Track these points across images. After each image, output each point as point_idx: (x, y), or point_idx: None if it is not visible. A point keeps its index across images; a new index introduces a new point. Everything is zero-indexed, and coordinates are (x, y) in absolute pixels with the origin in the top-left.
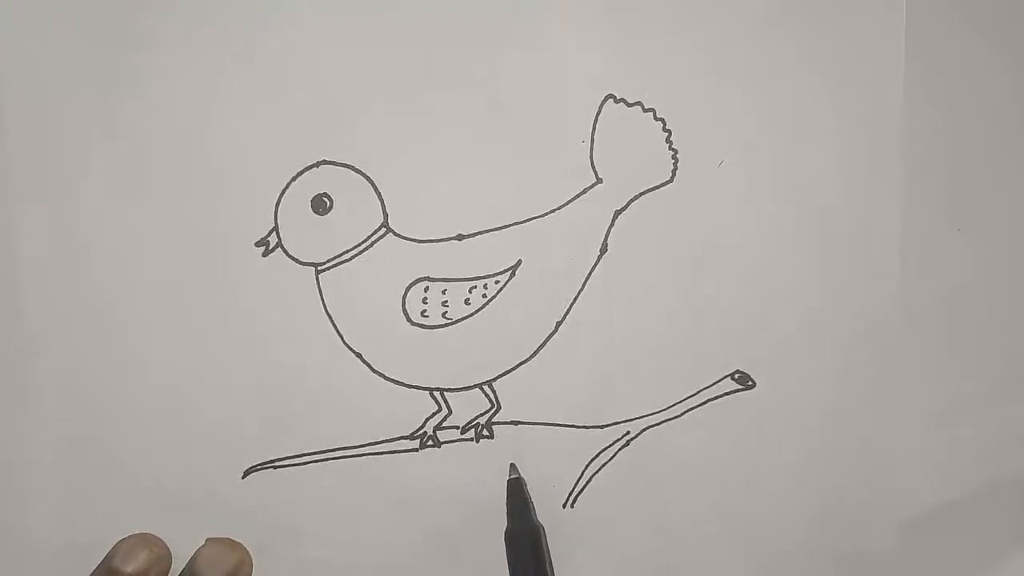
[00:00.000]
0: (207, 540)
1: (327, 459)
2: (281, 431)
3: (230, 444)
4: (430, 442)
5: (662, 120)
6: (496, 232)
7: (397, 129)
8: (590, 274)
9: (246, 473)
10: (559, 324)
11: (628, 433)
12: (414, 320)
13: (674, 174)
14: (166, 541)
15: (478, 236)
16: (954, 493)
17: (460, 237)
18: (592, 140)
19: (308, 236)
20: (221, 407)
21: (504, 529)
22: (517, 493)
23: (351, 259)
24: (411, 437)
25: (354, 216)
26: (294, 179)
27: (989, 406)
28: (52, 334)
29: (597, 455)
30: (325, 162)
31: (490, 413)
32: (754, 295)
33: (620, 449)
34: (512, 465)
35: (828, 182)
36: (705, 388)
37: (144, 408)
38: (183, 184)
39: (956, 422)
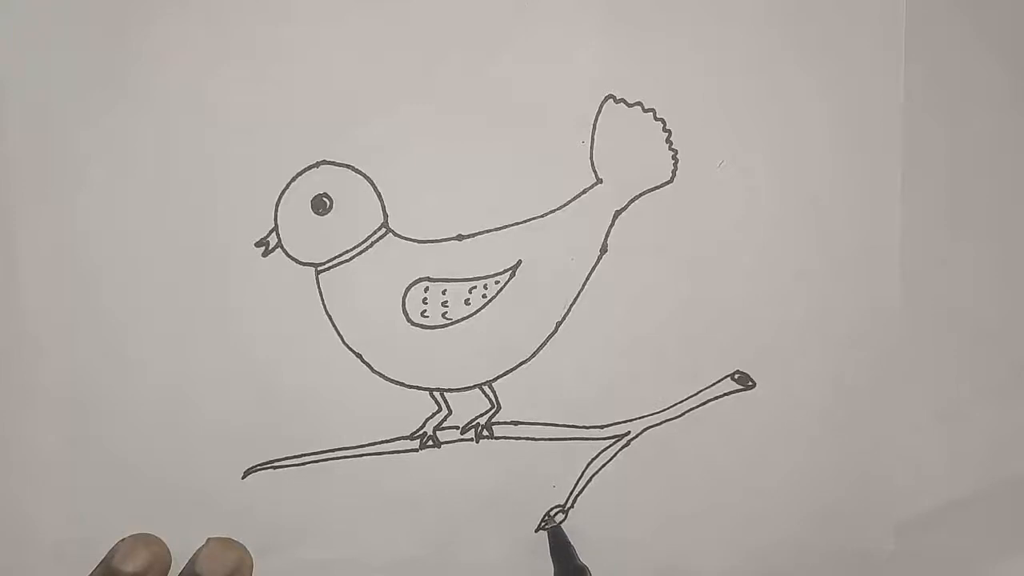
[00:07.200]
0: (208, 540)
1: (327, 459)
2: (281, 431)
3: (230, 444)
4: (430, 442)
5: (662, 120)
6: (496, 232)
7: (397, 129)
8: (590, 274)
9: (246, 473)
10: (559, 324)
11: (628, 433)
12: (414, 320)
13: (674, 174)
14: (166, 541)
15: (478, 236)
16: (953, 493)
17: (460, 237)
18: (592, 140)
19: (308, 236)
20: (221, 407)
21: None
22: (558, 538)
23: (351, 259)
24: (411, 437)
25: (354, 216)
26: (294, 179)
27: (989, 406)
28: (53, 334)
29: (597, 455)
30: (325, 162)
31: (490, 413)
32: (754, 295)
33: (620, 449)
34: (547, 516)
35: (828, 182)
36: (705, 388)
37: (144, 408)
38: (183, 184)
39: (956, 422)
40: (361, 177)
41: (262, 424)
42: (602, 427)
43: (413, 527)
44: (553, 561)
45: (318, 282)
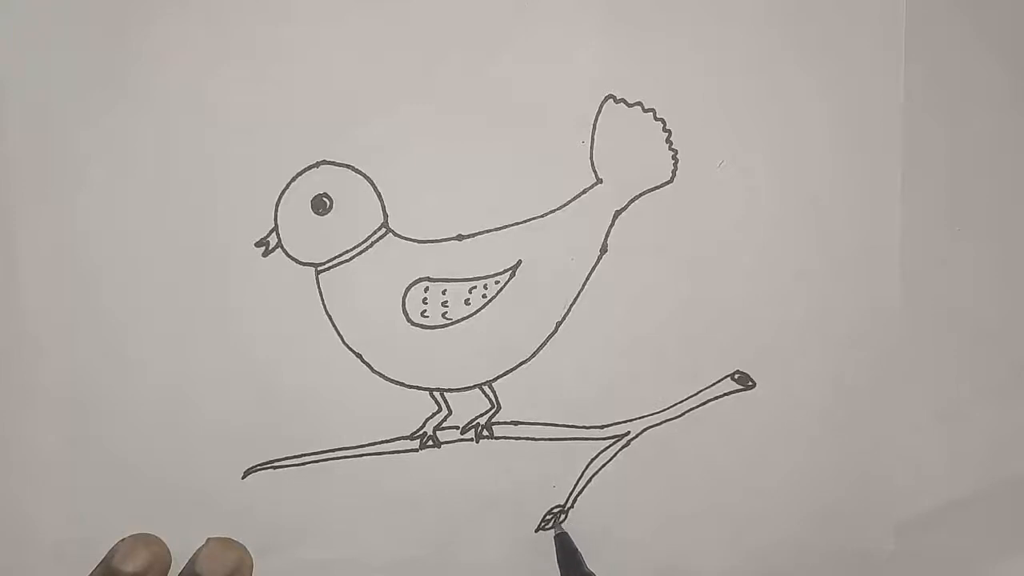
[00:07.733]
0: (208, 540)
1: (327, 459)
2: (281, 431)
3: (230, 444)
4: (430, 442)
5: (662, 120)
6: (496, 232)
7: (397, 129)
8: (590, 274)
9: (246, 473)
10: (559, 324)
11: (628, 433)
12: (414, 320)
13: (674, 174)
14: (166, 541)
15: (478, 236)
16: (953, 493)
17: (460, 237)
18: (592, 140)
19: (308, 236)
20: (221, 407)
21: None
22: (565, 546)
23: (351, 259)
24: (411, 437)
25: (354, 216)
26: (294, 179)
27: (989, 406)
28: (53, 334)
29: (597, 455)
30: (325, 162)
31: (490, 413)
32: (754, 295)
33: (620, 449)
34: (555, 520)
35: (828, 182)
36: (705, 388)
37: (144, 408)
38: (183, 184)
39: (956, 422)
40: (361, 177)
41: (262, 424)
42: (602, 427)
43: (413, 527)
44: (560, 569)
45: (318, 282)
